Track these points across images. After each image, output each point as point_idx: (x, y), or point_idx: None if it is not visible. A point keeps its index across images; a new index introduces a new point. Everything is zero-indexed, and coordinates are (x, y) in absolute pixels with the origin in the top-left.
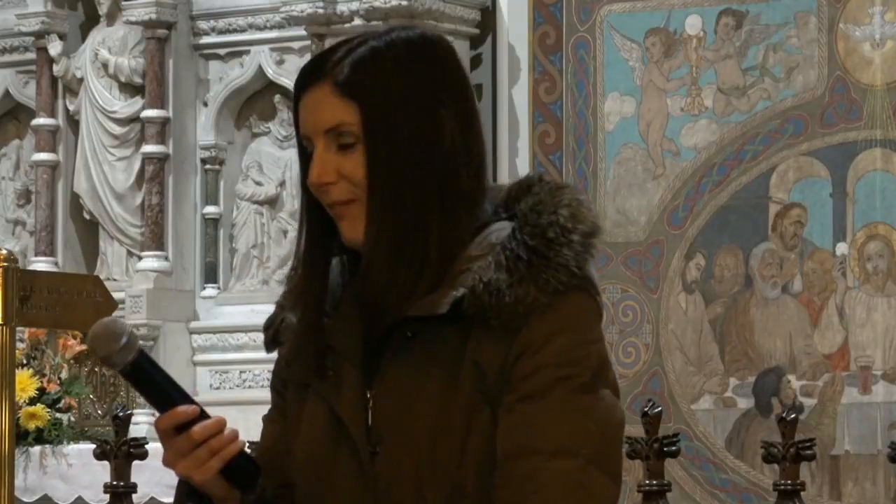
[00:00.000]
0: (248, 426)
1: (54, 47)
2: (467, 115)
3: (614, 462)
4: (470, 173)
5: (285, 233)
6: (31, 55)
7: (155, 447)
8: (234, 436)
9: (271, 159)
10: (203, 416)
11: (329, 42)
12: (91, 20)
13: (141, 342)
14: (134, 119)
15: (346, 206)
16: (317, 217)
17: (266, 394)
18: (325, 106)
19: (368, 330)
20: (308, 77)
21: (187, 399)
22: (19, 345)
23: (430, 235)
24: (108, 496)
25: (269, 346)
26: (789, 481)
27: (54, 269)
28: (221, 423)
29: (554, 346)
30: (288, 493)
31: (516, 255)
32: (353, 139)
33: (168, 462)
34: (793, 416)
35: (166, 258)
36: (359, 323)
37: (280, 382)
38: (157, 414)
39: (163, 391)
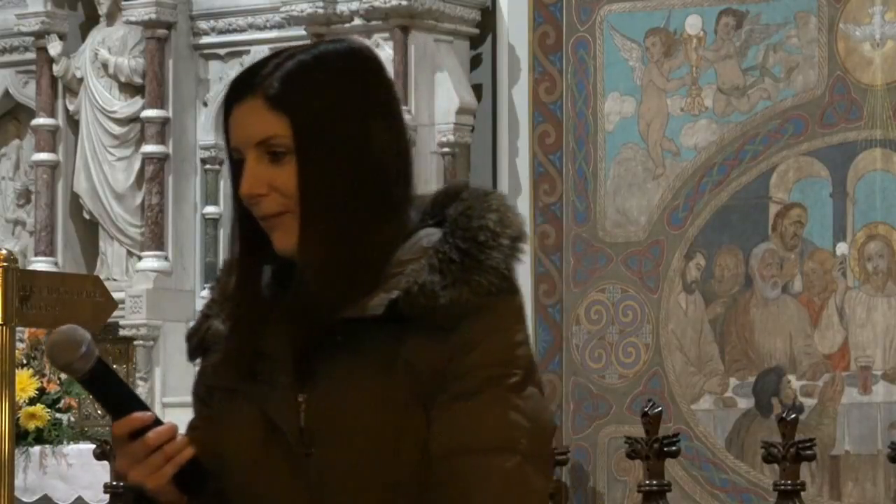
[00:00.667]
0: None
1: (54, 47)
2: (395, 124)
3: (546, 459)
4: (399, 181)
5: None
6: (31, 55)
7: None
8: (187, 442)
9: None
10: (157, 422)
11: None
12: (91, 20)
13: (141, 342)
14: (134, 119)
15: (278, 218)
16: (248, 227)
17: None
18: (256, 119)
19: (302, 335)
20: (238, 91)
21: (142, 406)
22: (19, 345)
23: (362, 243)
24: (108, 496)
25: (193, 354)
26: (789, 481)
27: (54, 269)
28: (174, 430)
29: (487, 346)
30: (218, 497)
31: (449, 257)
32: (285, 151)
33: (122, 468)
34: (793, 416)
35: (166, 258)
36: (290, 328)
37: (204, 389)
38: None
39: (120, 398)
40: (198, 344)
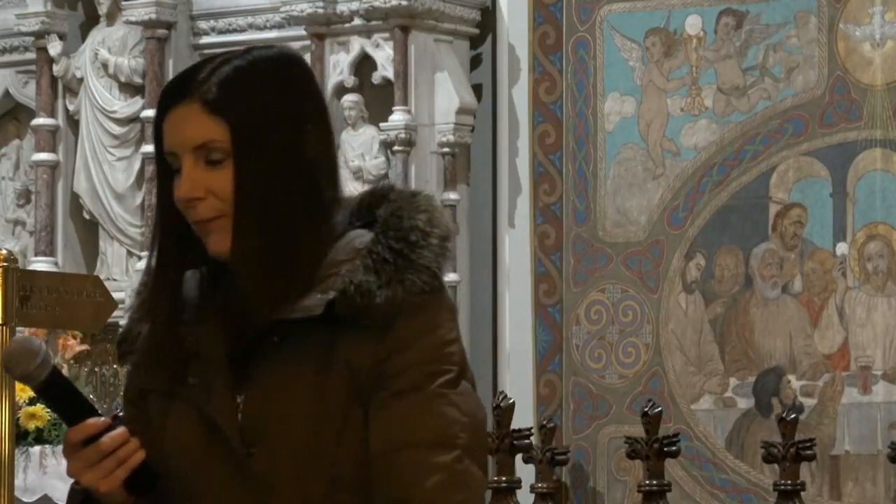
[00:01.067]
0: None
1: (54, 47)
2: (326, 127)
3: (482, 452)
4: (330, 184)
5: None
6: (31, 55)
7: None
8: (138, 445)
9: None
10: (110, 427)
11: (329, 42)
12: (91, 20)
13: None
14: (134, 119)
15: (214, 222)
16: (171, 230)
17: None
18: (194, 124)
19: (237, 337)
20: (174, 96)
21: (95, 412)
22: None
23: (297, 245)
24: None
25: (124, 358)
26: (789, 481)
27: (54, 269)
28: (126, 434)
29: (422, 344)
30: (159, 498)
31: (383, 257)
32: (222, 155)
33: (74, 472)
34: (793, 416)
35: None
36: (224, 330)
37: (136, 392)
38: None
39: (74, 405)
40: (128, 348)
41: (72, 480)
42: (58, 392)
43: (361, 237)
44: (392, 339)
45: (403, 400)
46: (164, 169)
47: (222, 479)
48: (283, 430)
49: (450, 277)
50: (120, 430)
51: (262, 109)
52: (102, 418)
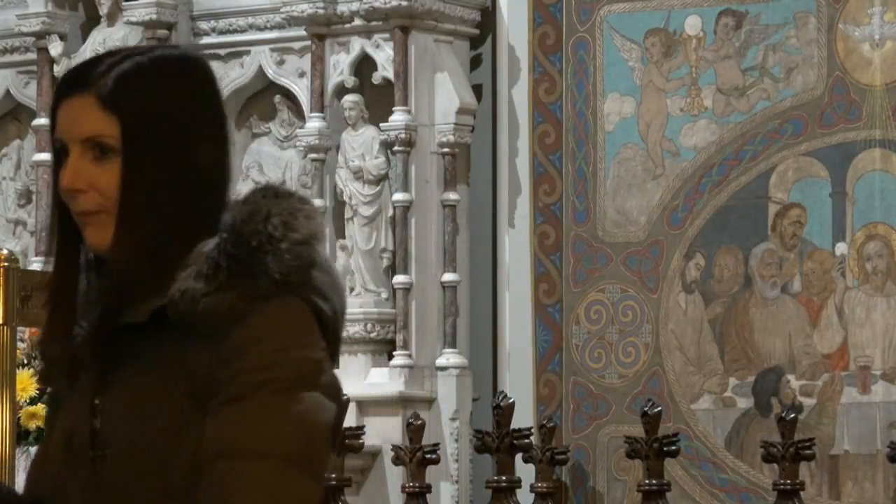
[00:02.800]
0: None
1: (55, 48)
2: (219, 135)
3: (315, 463)
4: (218, 193)
5: None
6: (32, 55)
7: None
8: None
9: (271, 159)
10: None
11: (329, 42)
12: (92, 20)
13: None
14: None
15: (94, 216)
16: (66, 224)
17: None
18: (85, 115)
19: (96, 338)
20: (70, 86)
21: None
22: (20, 345)
23: (172, 249)
24: None
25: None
26: (789, 481)
27: None
28: None
29: (254, 351)
30: None
31: (216, 263)
32: (110, 151)
33: None
34: (792, 415)
35: None
36: (94, 331)
37: (49, 395)
38: None
39: None
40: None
41: None
42: None
43: (208, 243)
44: (226, 346)
45: (230, 408)
46: (59, 158)
47: (76, 481)
48: (125, 434)
49: (449, 277)
50: None
51: (155, 109)
52: None
